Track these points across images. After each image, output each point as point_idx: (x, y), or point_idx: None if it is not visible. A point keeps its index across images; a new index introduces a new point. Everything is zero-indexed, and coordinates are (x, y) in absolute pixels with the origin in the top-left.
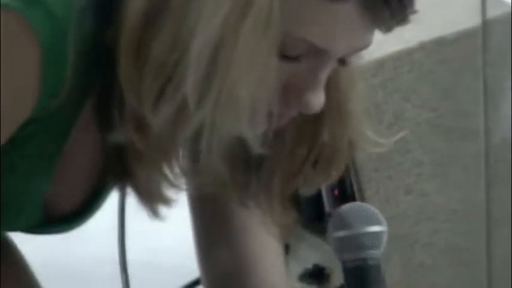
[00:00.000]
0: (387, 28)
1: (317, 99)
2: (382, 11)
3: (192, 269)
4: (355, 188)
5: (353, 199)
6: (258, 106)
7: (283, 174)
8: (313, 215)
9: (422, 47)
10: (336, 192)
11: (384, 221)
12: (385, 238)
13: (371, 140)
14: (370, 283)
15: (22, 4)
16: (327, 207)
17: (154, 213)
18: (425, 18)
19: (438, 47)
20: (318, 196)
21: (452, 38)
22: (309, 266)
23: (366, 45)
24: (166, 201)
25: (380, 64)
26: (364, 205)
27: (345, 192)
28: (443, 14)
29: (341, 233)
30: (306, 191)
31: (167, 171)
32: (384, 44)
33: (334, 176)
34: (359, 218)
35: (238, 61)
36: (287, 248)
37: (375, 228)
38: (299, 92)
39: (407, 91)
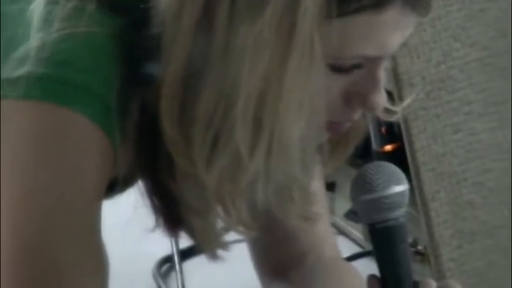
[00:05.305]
0: (426, 11)
1: (381, 98)
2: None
3: None
4: (402, 126)
5: (400, 137)
6: (309, 144)
7: None
8: (359, 153)
9: None
10: (383, 130)
11: (405, 177)
12: (408, 195)
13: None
14: (401, 241)
15: (71, 99)
16: (374, 144)
17: (213, 256)
18: None
19: None
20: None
21: None
22: None
23: (411, 31)
24: (223, 246)
25: None
26: (386, 164)
27: (391, 130)
28: None
29: (369, 196)
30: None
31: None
32: None
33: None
34: (385, 178)
35: (285, 106)
36: (333, 186)
37: (402, 188)
38: (362, 96)
39: (457, 30)
